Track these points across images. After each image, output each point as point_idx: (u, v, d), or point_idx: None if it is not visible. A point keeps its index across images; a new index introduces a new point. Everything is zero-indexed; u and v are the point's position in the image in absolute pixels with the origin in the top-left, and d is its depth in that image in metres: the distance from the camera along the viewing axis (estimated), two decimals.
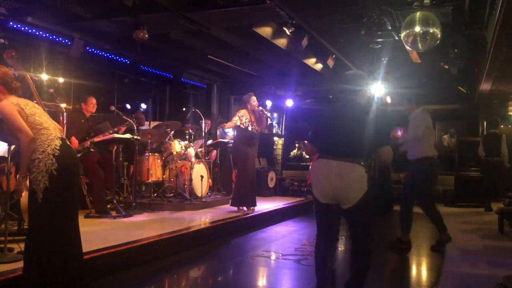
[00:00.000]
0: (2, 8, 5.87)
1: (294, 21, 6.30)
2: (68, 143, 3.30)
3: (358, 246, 3.25)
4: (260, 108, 7.07)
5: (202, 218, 6.40)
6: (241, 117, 6.90)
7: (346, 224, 3.48)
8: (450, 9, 5.60)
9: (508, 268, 4.48)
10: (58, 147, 3.14)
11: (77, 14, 6.44)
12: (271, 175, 9.78)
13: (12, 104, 3.16)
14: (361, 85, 3.35)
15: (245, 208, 7.01)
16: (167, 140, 7.69)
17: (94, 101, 6.46)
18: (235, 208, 7.04)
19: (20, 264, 3.52)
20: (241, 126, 6.88)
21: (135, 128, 6.55)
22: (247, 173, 6.87)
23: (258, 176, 8.67)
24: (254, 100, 7.02)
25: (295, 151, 12.22)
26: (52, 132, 3.21)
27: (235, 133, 7.24)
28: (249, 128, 6.92)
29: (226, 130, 8.55)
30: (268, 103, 11.33)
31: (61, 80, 6.46)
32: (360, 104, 3.33)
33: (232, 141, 7.64)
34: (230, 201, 7.22)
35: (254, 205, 7.08)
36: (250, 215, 6.85)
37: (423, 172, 5.36)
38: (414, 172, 5.45)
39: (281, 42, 7.37)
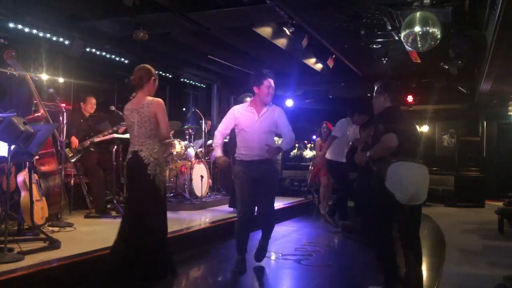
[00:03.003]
0: (2, 8, 5.87)
1: (294, 21, 6.29)
2: (139, 155, 3.74)
3: (410, 241, 3.56)
4: None
5: (202, 218, 6.40)
6: None
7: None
8: (450, 9, 5.60)
9: (508, 268, 4.49)
10: (127, 160, 3.88)
11: (77, 14, 6.44)
12: None
13: (125, 108, 3.87)
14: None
15: None
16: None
17: (93, 101, 6.43)
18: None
19: (20, 264, 3.54)
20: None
21: None
22: None
23: None
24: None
25: (295, 151, 12.22)
26: (131, 145, 3.84)
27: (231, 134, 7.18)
28: None
29: None
30: None
31: (61, 80, 6.45)
32: None
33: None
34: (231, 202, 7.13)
35: None
36: None
37: None
38: None
39: (281, 42, 7.37)
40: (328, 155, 6.80)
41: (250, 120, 4.34)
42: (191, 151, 7.45)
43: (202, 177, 7.30)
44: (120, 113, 6.73)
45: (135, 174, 3.79)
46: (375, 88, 3.74)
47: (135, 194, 3.85)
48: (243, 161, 4.33)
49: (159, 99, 3.81)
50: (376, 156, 3.51)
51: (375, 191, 3.54)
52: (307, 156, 11.78)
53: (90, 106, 6.41)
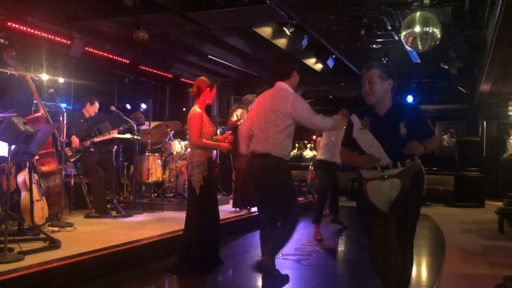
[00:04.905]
0: (2, 8, 5.87)
1: (294, 21, 6.30)
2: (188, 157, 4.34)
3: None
4: None
5: None
6: (239, 117, 6.84)
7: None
8: (450, 9, 5.60)
9: (508, 268, 4.48)
10: None
11: (77, 14, 6.44)
12: None
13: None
14: None
15: (251, 209, 6.97)
16: (167, 140, 7.68)
17: (98, 105, 6.50)
18: (235, 209, 7.02)
19: (20, 264, 3.54)
20: (239, 125, 6.83)
21: (135, 128, 6.55)
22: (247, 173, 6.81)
23: None
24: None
25: (295, 151, 12.22)
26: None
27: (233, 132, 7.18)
28: None
29: (227, 130, 8.52)
30: None
31: (61, 80, 6.45)
32: None
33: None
34: (232, 202, 7.17)
35: None
36: (250, 215, 6.84)
37: None
38: None
39: (281, 42, 7.37)
40: (323, 156, 6.81)
41: None
42: None
43: None
44: (120, 113, 6.75)
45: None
46: (372, 71, 3.12)
47: None
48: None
49: (197, 110, 4.24)
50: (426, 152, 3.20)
51: (422, 190, 3.40)
52: (307, 156, 11.77)
53: (95, 108, 6.45)
